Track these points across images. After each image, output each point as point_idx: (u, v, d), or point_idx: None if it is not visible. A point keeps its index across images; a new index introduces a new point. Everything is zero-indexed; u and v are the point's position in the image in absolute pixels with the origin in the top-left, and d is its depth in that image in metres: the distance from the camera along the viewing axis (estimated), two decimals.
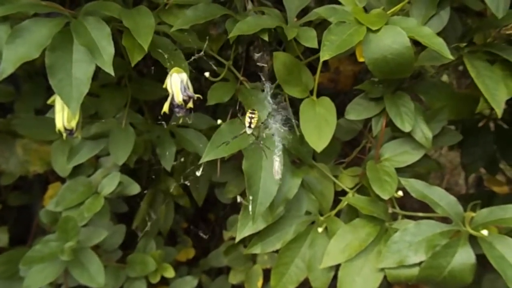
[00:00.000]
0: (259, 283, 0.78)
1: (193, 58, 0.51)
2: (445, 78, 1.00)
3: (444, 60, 0.51)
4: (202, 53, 0.53)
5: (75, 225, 0.56)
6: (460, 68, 0.94)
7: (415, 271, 0.49)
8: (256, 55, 0.54)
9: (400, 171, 0.56)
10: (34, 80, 0.74)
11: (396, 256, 0.48)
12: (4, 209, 0.79)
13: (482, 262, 0.48)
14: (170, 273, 0.71)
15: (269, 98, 0.50)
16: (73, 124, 0.50)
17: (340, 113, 0.55)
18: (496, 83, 0.48)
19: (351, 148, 0.71)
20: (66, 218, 0.57)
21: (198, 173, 0.51)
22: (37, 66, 0.67)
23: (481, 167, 0.85)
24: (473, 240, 0.49)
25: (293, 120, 0.52)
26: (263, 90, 0.52)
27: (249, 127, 0.48)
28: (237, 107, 0.55)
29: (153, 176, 0.77)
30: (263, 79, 0.52)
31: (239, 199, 0.56)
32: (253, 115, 0.48)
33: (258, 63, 0.53)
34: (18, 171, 0.69)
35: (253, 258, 0.80)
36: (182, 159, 0.68)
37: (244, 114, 0.50)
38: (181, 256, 0.88)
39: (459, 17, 0.56)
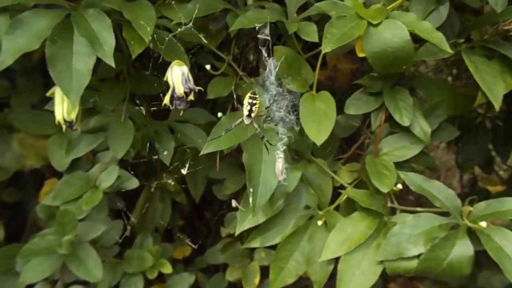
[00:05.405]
0: (256, 280, 0.78)
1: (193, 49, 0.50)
2: None
3: (442, 55, 0.51)
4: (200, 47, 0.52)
5: (73, 219, 0.56)
6: (454, 71, 0.96)
7: (414, 263, 0.49)
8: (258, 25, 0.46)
9: (398, 166, 0.57)
10: (30, 75, 0.73)
11: (395, 248, 0.49)
12: None
13: (477, 259, 0.49)
14: (167, 268, 0.70)
15: (272, 78, 0.44)
16: (73, 116, 0.50)
17: (338, 110, 0.56)
18: (494, 77, 0.49)
19: (349, 145, 0.72)
20: (63, 212, 0.56)
21: (184, 171, 0.48)
22: (34, 61, 0.67)
23: (476, 165, 0.86)
24: (471, 235, 0.49)
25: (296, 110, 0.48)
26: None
27: (249, 115, 0.43)
28: (235, 102, 0.54)
29: (150, 172, 0.76)
30: (265, 54, 0.44)
31: (234, 203, 0.53)
32: (254, 100, 0.43)
33: (259, 36, 0.45)
34: (14, 165, 0.68)
35: (250, 255, 0.80)
36: (179, 152, 0.68)
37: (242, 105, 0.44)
38: (177, 253, 0.87)
39: (456, 14, 0.56)
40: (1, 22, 0.46)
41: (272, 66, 0.44)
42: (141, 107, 0.65)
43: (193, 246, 0.78)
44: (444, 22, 0.51)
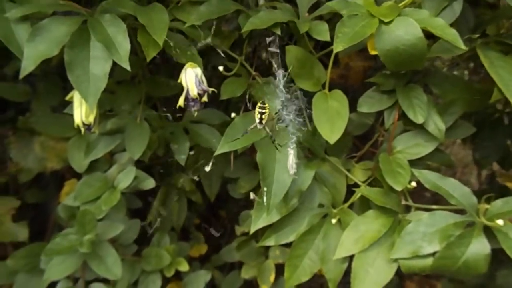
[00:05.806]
0: (272, 277, 0.78)
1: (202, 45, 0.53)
2: None
3: (456, 51, 0.51)
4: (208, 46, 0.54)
5: (93, 219, 0.58)
6: (471, 65, 0.94)
7: (429, 261, 0.49)
8: (268, 39, 0.52)
9: (412, 164, 0.56)
10: (49, 79, 0.75)
11: (410, 246, 0.49)
12: (21, 206, 0.81)
13: (495, 257, 0.48)
14: (184, 266, 0.72)
15: (281, 87, 0.49)
16: (91, 119, 0.51)
17: (351, 108, 0.56)
18: (510, 73, 0.48)
19: (362, 143, 0.71)
20: (83, 212, 0.58)
21: (207, 168, 0.52)
22: (52, 65, 0.69)
23: (494, 162, 0.84)
24: (488, 233, 0.49)
25: (306, 111, 0.52)
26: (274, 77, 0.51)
27: (260, 122, 0.47)
28: (248, 103, 0.55)
29: (166, 172, 0.78)
30: (275, 66, 0.50)
31: (252, 196, 0.56)
32: (263, 110, 0.47)
33: (270, 49, 0.52)
34: (36, 167, 0.71)
35: (265, 253, 0.81)
36: (194, 152, 0.69)
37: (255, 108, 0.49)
38: (193, 252, 0.89)
39: (471, 9, 0.55)
40: (23, 30, 0.47)
41: (281, 76, 0.49)
42: (164, 112, 0.66)
43: (215, 234, 0.80)
44: (458, 17, 0.51)
